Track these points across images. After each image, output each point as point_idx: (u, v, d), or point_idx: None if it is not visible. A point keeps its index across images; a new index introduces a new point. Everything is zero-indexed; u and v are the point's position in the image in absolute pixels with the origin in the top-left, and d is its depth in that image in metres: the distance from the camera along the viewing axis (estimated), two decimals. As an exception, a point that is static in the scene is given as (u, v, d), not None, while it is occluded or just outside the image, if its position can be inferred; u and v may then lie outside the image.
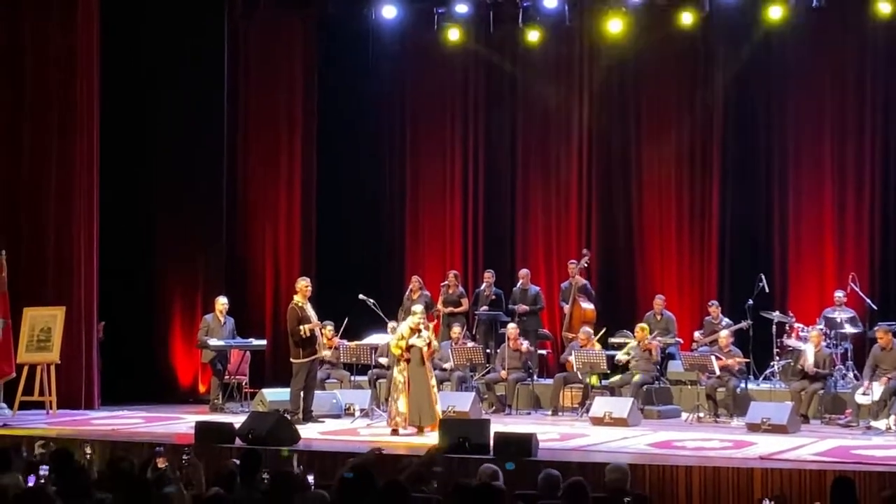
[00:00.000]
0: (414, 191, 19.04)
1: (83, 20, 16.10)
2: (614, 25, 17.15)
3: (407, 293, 16.56)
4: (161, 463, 8.69)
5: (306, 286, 14.46)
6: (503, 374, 15.48)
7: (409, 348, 13.29)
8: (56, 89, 16.10)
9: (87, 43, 16.16)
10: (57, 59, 16.12)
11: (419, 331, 13.39)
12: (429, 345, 13.42)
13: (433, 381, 13.49)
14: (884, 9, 16.07)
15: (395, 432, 13.21)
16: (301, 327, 14.10)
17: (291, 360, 14.34)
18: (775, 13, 16.42)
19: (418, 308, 13.82)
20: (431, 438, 12.45)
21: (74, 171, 16.05)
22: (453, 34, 17.90)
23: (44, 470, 8.59)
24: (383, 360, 15.52)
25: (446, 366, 15.54)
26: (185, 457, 8.44)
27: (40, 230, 16.06)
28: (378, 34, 18.36)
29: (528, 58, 18.30)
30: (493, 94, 18.76)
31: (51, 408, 15.06)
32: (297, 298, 14.37)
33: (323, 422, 14.25)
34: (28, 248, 15.93)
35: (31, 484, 8.13)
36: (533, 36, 17.59)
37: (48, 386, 15.08)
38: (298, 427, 12.81)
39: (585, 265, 16.89)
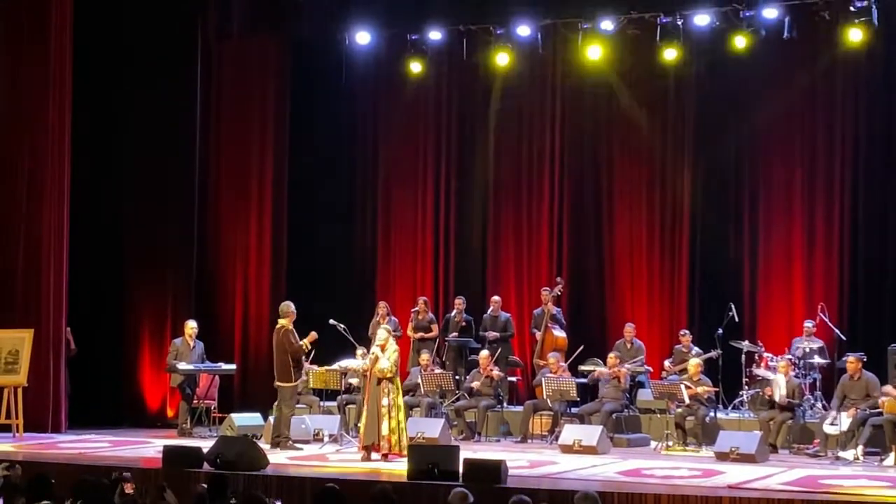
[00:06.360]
0: (385, 216, 19.02)
1: (56, 45, 16.06)
2: (590, 52, 17.22)
3: (374, 319, 16.52)
4: (129, 488, 8.63)
5: (293, 311, 14.28)
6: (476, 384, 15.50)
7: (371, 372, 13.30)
8: (28, 111, 16.06)
9: (59, 64, 16.10)
10: (28, 79, 16.10)
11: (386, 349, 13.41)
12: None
13: (384, 402, 13.36)
14: (853, 37, 16.15)
15: (366, 458, 13.18)
16: (303, 342, 14.01)
17: (281, 384, 14.09)
18: (741, 42, 16.51)
19: (383, 331, 13.77)
20: (397, 464, 12.47)
21: (45, 193, 15.99)
22: (426, 61, 17.94)
23: None
24: (354, 381, 15.32)
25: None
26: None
27: (9, 253, 15.97)
28: (351, 59, 18.40)
29: (500, 85, 18.33)
30: (465, 121, 18.80)
31: (17, 431, 14.97)
32: (284, 322, 14.16)
33: (301, 448, 14.17)
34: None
35: None
36: (504, 61, 17.60)
37: (15, 409, 15.01)
38: (268, 452, 12.76)
39: (559, 293, 16.90)
